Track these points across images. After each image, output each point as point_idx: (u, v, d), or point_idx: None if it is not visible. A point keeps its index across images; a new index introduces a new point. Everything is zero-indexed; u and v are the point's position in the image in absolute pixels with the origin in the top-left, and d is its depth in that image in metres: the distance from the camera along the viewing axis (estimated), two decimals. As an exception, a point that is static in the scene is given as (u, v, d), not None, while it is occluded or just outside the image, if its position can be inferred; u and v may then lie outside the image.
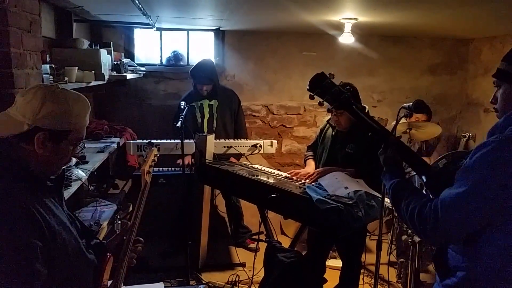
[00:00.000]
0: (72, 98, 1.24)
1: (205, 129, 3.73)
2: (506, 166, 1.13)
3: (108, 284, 1.41)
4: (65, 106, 1.20)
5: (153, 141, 3.25)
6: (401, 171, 1.47)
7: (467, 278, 1.24)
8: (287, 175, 2.78)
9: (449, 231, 1.19)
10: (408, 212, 1.29)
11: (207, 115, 3.74)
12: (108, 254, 1.41)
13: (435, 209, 1.20)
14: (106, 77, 3.01)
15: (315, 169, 2.74)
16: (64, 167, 1.34)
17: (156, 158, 1.77)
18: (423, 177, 1.41)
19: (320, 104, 1.49)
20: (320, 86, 1.45)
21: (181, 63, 4.51)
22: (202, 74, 3.62)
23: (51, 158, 1.22)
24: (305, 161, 2.99)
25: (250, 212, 3.86)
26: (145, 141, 3.26)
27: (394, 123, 2.23)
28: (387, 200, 2.18)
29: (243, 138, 3.61)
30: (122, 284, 1.42)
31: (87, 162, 2.56)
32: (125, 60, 3.77)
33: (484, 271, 1.21)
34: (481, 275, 1.22)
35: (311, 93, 1.48)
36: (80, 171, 2.35)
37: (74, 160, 2.40)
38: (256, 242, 3.80)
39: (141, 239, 1.58)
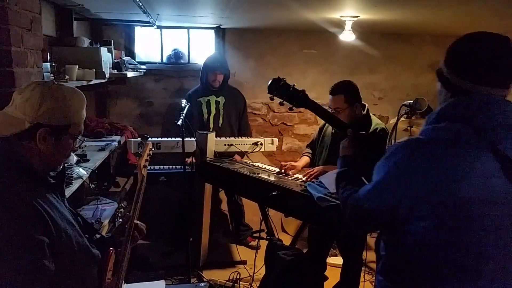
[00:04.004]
0: (69, 93, 1.26)
1: (211, 125, 3.73)
2: (407, 165, 1.17)
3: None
4: (63, 101, 1.23)
5: (154, 138, 3.26)
6: (352, 162, 1.57)
7: (385, 267, 1.29)
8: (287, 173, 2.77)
9: (360, 221, 1.33)
10: (341, 199, 1.42)
11: (213, 111, 3.74)
12: (111, 248, 1.42)
13: (355, 199, 1.32)
14: (107, 75, 3.02)
15: (313, 167, 2.74)
16: (65, 164, 1.35)
17: (151, 152, 1.77)
18: None
19: (281, 104, 1.63)
20: (277, 88, 1.60)
21: (182, 61, 4.51)
22: (217, 63, 3.66)
23: (53, 153, 1.24)
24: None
25: (251, 210, 3.86)
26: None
27: (393, 120, 2.23)
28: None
29: (248, 137, 3.62)
30: (123, 278, 1.44)
31: (88, 160, 2.56)
32: (126, 58, 3.78)
33: (400, 260, 1.24)
34: (397, 264, 1.25)
35: (270, 95, 1.63)
36: (81, 169, 2.35)
37: (75, 158, 2.41)
38: (257, 240, 3.81)
39: (143, 225, 1.58)
